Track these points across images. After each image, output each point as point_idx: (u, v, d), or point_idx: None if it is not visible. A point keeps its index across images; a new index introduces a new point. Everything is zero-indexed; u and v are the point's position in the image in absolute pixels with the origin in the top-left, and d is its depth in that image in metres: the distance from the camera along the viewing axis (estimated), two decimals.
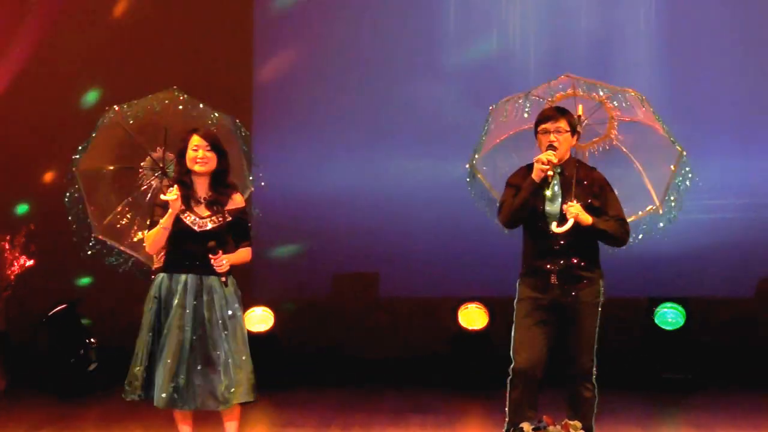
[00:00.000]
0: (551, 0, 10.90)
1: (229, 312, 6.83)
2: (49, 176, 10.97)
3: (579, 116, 6.82)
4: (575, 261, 6.74)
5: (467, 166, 7.00)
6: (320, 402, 9.65)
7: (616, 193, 6.81)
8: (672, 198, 6.90)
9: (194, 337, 6.77)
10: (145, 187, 7.29)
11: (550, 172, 6.63)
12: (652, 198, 6.95)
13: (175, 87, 7.32)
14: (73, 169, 7.29)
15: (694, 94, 10.64)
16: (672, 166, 6.85)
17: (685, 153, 6.86)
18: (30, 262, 10.47)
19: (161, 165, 7.22)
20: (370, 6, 11.02)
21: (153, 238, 6.81)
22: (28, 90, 11.04)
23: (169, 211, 6.74)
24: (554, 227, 6.63)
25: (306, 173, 10.87)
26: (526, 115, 6.82)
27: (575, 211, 6.62)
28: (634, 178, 6.93)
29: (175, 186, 6.75)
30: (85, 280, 10.84)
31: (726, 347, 10.49)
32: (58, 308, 10.41)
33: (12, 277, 10.44)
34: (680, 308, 10.27)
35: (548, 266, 6.72)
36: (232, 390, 6.76)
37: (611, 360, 10.03)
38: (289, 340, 10.51)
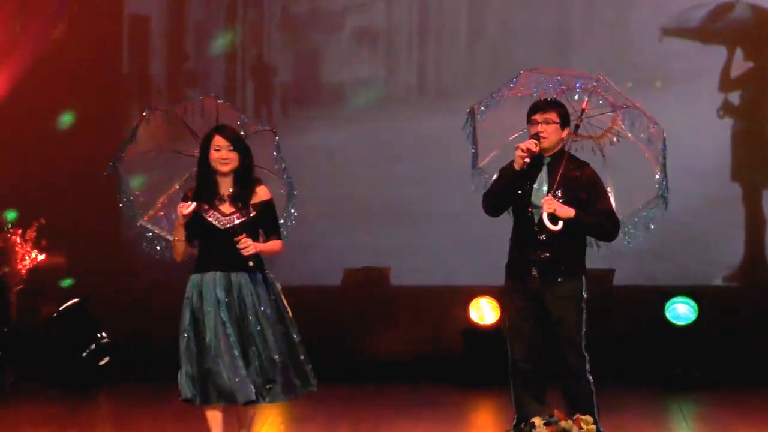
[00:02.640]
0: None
1: (262, 308, 6.79)
2: (61, 170, 10.95)
3: (583, 110, 6.77)
4: (557, 253, 6.69)
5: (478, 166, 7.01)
6: (330, 397, 9.58)
7: (629, 183, 6.80)
8: (665, 175, 6.84)
9: (236, 332, 6.72)
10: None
11: (527, 160, 6.59)
12: (659, 181, 6.87)
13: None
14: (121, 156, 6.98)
15: None
16: (660, 145, 6.79)
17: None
18: (41, 257, 10.45)
19: None
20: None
21: (175, 250, 6.85)
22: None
23: (179, 220, 6.74)
24: (548, 223, 6.58)
25: (317, 167, 10.87)
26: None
27: (553, 205, 6.59)
28: (645, 165, 6.87)
29: (191, 203, 6.69)
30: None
31: (740, 341, 10.39)
32: (70, 303, 10.40)
33: (23, 271, 10.43)
34: (692, 302, 10.19)
35: (530, 257, 6.70)
36: (269, 387, 6.77)
37: (621, 355, 10.05)
38: (299, 334, 10.45)
